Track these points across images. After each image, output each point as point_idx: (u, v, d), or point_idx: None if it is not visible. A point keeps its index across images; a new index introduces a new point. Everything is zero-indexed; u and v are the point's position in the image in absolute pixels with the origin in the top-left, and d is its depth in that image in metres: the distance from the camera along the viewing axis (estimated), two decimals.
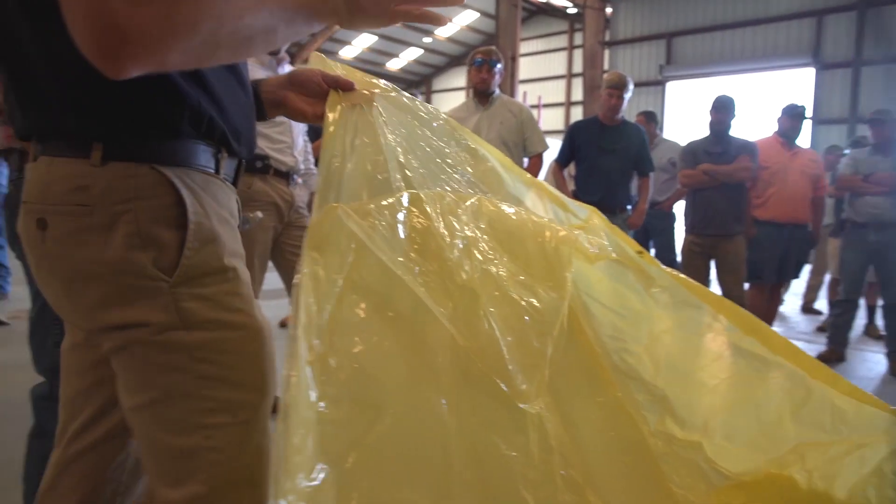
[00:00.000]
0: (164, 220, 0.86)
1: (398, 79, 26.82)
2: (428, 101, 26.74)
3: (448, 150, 1.12)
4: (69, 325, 1.02)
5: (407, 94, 1.10)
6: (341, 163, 0.93)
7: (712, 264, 4.37)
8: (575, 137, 4.33)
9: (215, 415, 0.89)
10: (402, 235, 0.90)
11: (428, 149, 1.08)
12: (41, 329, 1.71)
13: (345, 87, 1.04)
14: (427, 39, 23.91)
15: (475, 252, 0.96)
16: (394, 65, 25.94)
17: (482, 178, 1.15)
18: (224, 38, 0.75)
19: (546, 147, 3.94)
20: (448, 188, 1.05)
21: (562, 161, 4.44)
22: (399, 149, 1.01)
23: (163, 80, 0.82)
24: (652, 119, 5.77)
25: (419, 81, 27.35)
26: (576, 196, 4.27)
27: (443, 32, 23.46)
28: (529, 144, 3.89)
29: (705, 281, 4.43)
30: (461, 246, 0.95)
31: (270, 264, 3.08)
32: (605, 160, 4.20)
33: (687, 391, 1.12)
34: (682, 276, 1.19)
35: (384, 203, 0.90)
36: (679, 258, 4.90)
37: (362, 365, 0.77)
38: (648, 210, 5.19)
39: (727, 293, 4.25)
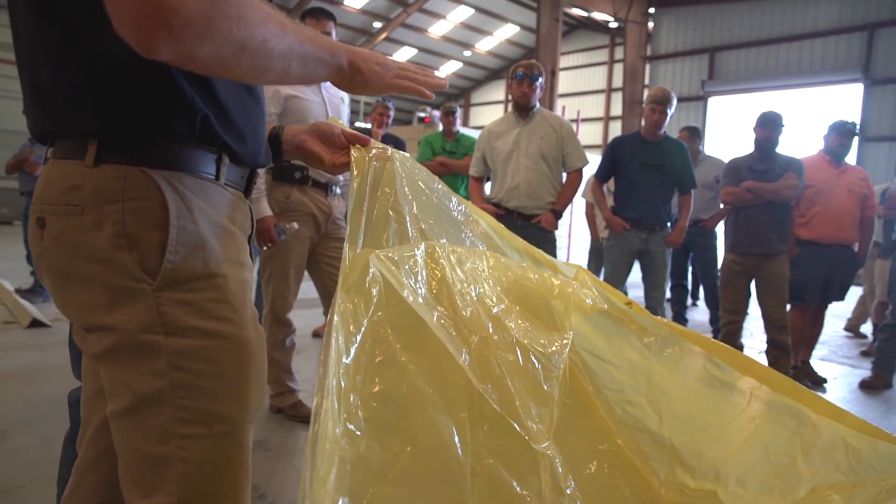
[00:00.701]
0: (151, 223, 0.86)
1: (438, 92, 26.98)
2: (466, 114, 26.74)
3: (450, 211, 1.18)
4: (75, 331, 1.03)
5: (410, 157, 1.17)
6: (368, 209, 1.00)
7: (753, 285, 4.27)
8: (616, 153, 4.27)
9: (190, 425, 0.88)
10: (421, 282, 0.95)
11: (436, 207, 1.14)
12: None
13: (363, 143, 1.10)
14: (467, 53, 24.04)
15: (485, 300, 1.01)
16: None
17: (481, 238, 1.22)
18: (248, 54, 0.77)
19: (586, 162, 3.90)
20: (455, 242, 1.11)
21: (601, 177, 4.39)
22: (415, 202, 1.07)
23: (160, 74, 0.84)
24: (695, 135, 5.68)
25: (458, 95, 27.48)
26: (615, 212, 4.23)
27: (483, 46, 23.56)
28: (569, 160, 3.86)
29: (745, 301, 4.32)
30: (473, 295, 1.00)
31: (306, 274, 3.11)
32: (647, 176, 4.14)
33: (694, 438, 1.13)
34: (674, 323, 1.22)
35: (406, 253, 0.95)
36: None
37: (383, 404, 0.80)
38: (690, 227, 5.13)
39: (769, 314, 4.14)
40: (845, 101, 13.24)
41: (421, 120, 11.81)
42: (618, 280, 4.24)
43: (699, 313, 6.81)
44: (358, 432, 0.75)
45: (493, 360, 0.93)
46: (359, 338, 0.81)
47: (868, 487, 0.99)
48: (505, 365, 0.93)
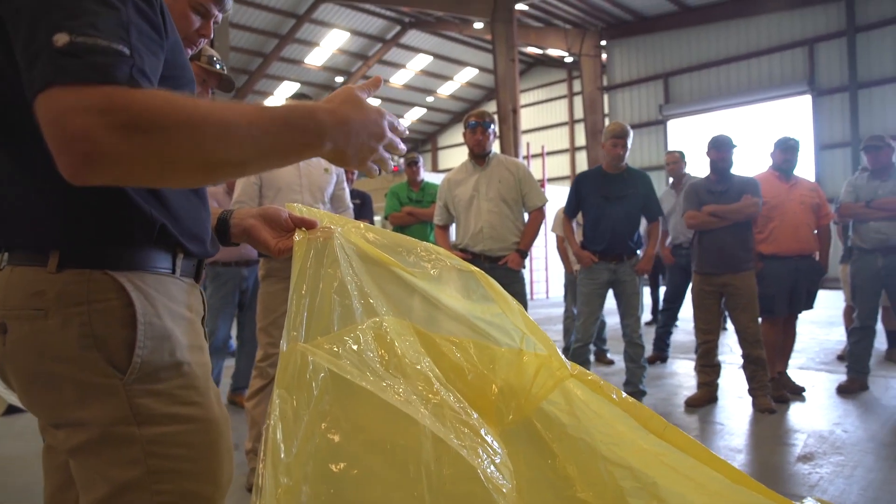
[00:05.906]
0: (117, 321, 0.90)
1: (403, 139, 27.30)
2: (434, 157, 26.72)
3: (406, 277, 1.18)
4: (41, 427, 1.06)
5: (365, 224, 1.19)
6: (310, 299, 1.02)
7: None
8: (580, 188, 4.44)
9: None
10: (368, 357, 0.99)
11: (387, 278, 1.16)
12: None
13: (308, 225, 1.14)
14: (429, 98, 24.45)
15: (431, 375, 1.05)
16: None
17: (442, 298, 1.21)
18: (196, 164, 0.79)
19: (545, 201, 4.02)
20: (403, 314, 1.14)
21: (569, 212, 4.56)
22: (361, 278, 1.10)
23: (117, 192, 0.90)
24: (682, 157, 6.20)
25: (424, 140, 27.84)
26: (583, 246, 4.34)
27: (444, 91, 24.00)
28: (528, 200, 3.98)
29: (718, 320, 4.42)
30: (419, 366, 1.04)
31: None
32: (611, 209, 4.28)
33: (678, 484, 1.12)
34: (672, 426, 1.20)
35: (351, 333, 1.00)
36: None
37: (336, 490, 0.84)
38: (681, 250, 5.58)
39: (742, 330, 4.23)
40: (796, 113, 13.68)
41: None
42: (593, 311, 4.33)
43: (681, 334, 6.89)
44: None
45: (450, 424, 0.97)
46: (300, 433, 0.85)
47: None
48: (465, 428, 0.97)
